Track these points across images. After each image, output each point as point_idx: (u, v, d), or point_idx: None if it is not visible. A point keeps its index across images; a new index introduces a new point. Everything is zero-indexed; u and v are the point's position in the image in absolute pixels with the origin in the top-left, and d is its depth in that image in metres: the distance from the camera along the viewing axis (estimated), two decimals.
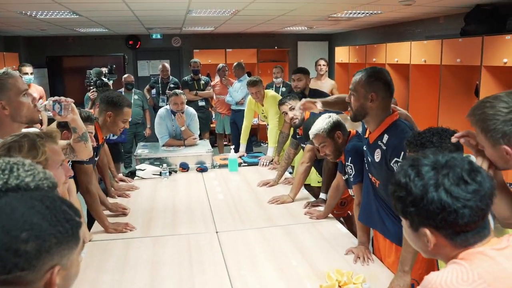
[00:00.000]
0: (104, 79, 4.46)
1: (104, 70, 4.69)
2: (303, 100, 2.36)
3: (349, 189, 2.60)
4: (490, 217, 1.00)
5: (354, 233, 2.45)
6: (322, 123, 2.49)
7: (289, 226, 2.64)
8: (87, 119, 2.41)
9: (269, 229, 2.61)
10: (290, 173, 3.99)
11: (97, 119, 2.80)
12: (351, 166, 2.34)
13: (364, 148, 2.15)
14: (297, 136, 3.42)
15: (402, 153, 1.84)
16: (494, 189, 0.97)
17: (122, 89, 6.02)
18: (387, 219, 2.08)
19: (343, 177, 2.57)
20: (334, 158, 2.55)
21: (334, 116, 2.54)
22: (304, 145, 3.32)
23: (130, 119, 2.92)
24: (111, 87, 4.46)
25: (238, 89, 6.25)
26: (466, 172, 0.95)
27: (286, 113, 3.29)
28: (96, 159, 2.92)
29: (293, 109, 3.25)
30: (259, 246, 2.37)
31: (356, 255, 2.19)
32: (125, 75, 6.15)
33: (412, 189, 0.96)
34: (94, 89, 4.32)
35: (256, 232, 2.57)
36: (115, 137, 4.83)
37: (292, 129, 3.59)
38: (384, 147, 1.96)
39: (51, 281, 0.80)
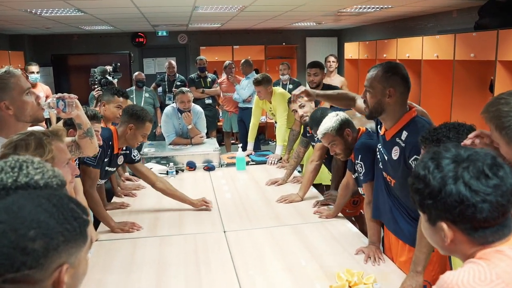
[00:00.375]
0: (108, 77, 4.47)
1: (109, 68, 4.71)
2: (302, 88, 2.39)
3: (359, 188, 2.58)
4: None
5: (365, 233, 2.43)
6: (330, 121, 2.48)
7: (298, 226, 2.64)
8: (93, 118, 2.42)
9: (278, 228, 2.61)
10: (299, 171, 3.98)
11: (103, 117, 2.81)
12: (361, 164, 2.32)
13: (379, 146, 2.13)
14: (307, 134, 3.41)
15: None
16: None
17: (133, 87, 6.06)
18: (400, 218, 2.06)
19: (353, 175, 2.56)
20: (345, 157, 2.54)
21: (341, 114, 2.53)
22: (314, 143, 3.31)
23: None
24: (116, 86, 4.48)
25: (245, 86, 6.25)
26: (487, 166, 0.93)
27: (296, 111, 3.29)
28: (113, 170, 2.92)
29: (303, 106, 3.24)
30: (268, 246, 2.36)
31: (367, 255, 2.17)
32: (136, 73, 6.18)
33: (430, 181, 0.95)
34: (99, 87, 4.35)
35: (264, 231, 2.57)
36: None
37: (302, 127, 3.58)
38: (402, 144, 1.93)
39: (60, 280, 0.80)
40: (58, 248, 0.80)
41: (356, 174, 2.46)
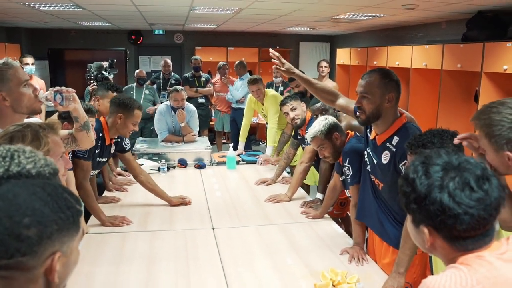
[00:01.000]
0: (104, 73, 4.46)
1: (105, 64, 4.69)
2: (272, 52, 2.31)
3: (345, 190, 2.61)
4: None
5: (351, 234, 2.46)
6: (319, 125, 2.50)
7: (286, 225, 2.65)
8: (87, 112, 2.39)
9: (266, 227, 2.62)
10: (288, 172, 4.00)
11: (98, 111, 2.79)
12: (348, 167, 2.34)
13: (367, 150, 2.15)
14: (298, 137, 3.43)
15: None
16: (503, 199, 0.94)
17: (134, 84, 6.05)
18: (386, 222, 2.08)
19: (340, 177, 2.58)
20: (333, 160, 2.56)
21: (330, 118, 2.55)
22: (305, 146, 3.33)
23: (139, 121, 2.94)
24: (111, 81, 4.46)
25: (239, 87, 6.26)
26: (474, 178, 0.93)
27: (288, 114, 3.30)
28: (105, 160, 2.91)
29: (295, 109, 3.26)
30: (255, 244, 2.38)
31: (351, 255, 2.19)
32: (137, 70, 6.19)
33: (417, 186, 0.95)
34: (94, 82, 4.32)
35: (252, 229, 2.58)
36: None
37: (293, 129, 3.60)
38: (393, 149, 1.95)
39: (52, 267, 0.81)
40: (51, 236, 0.80)
41: (344, 176, 2.49)
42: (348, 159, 2.34)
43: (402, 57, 5.27)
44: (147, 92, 5.97)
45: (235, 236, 2.48)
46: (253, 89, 4.38)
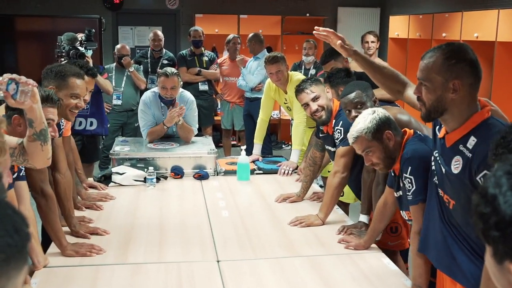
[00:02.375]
0: (80, 47, 4.50)
1: (80, 36, 4.74)
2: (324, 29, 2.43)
3: (401, 211, 2.59)
4: None
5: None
6: (364, 121, 2.49)
7: (317, 257, 2.66)
8: (46, 99, 2.40)
9: (289, 260, 2.63)
10: (321, 186, 4.00)
11: (61, 100, 2.83)
12: (410, 180, 2.33)
13: (436, 153, 2.13)
14: (321, 134, 3.42)
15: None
16: None
17: (113, 64, 6.14)
18: (460, 254, 2.05)
19: (395, 193, 2.57)
20: (385, 168, 2.55)
21: (380, 111, 2.53)
22: (331, 148, 3.31)
23: (87, 97, 2.99)
24: (89, 60, 4.51)
25: (254, 70, 6.28)
26: None
27: (308, 105, 3.27)
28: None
29: (317, 98, 3.24)
30: (275, 283, 2.38)
31: None
32: (118, 46, 6.27)
33: (500, 206, 0.93)
34: (66, 61, 4.37)
35: (271, 263, 2.59)
36: (93, 126, 4.89)
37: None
38: (469, 154, 1.92)
39: None
40: None
41: (400, 192, 2.48)
42: (410, 168, 2.33)
43: (483, 26, 5.23)
44: (109, 74, 6.04)
45: (247, 272, 2.49)
46: (271, 71, 4.40)
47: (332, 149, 3.30)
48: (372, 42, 5.97)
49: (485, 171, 1.85)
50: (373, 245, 2.80)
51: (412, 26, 6.94)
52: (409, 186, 2.34)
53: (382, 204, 2.69)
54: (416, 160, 2.33)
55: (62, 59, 4.41)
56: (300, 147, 4.23)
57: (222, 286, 2.34)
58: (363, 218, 3.00)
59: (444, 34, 6.05)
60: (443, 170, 2.06)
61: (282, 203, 3.48)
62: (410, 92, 2.33)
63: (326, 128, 3.32)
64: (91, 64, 4.32)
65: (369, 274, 2.48)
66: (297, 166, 4.17)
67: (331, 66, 4.07)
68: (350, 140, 2.55)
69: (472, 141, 1.93)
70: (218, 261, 2.60)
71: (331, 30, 2.43)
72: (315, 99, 3.24)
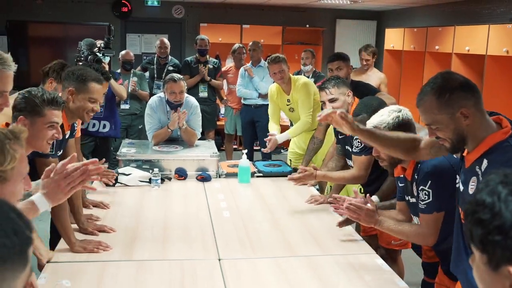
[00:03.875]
0: (98, 54, 4.51)
1: (99, 43, 4.76)
2: (327, 111, 2.36)
3: (414, 216, 2.55)
4: None
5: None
6: (388, 115, 2.48)
7: (314, 258, 2.67)
8: (51, 102, 2.38)
9: (288, 259, 2.63)
10: (318, 190, 4.00)
11: (66, 103, 2.84)
12: (428, 192, 2.30)
13: (461, 171, 2.07)
14: (340, 136, 3.41)
15: None
16: None
17: (118, 70, 6.15)
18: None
19: (408, 198, 2.53)
20: (389, 167, 2.56)
21: (405, 112, 2.53)
22: (351, 148, 3.26)
23: (102, 102, 2.98)
24: (106, 66, 4.53)
25: (261, 77, 6.25)
26: None
27: (324, 103, 3.35)
28: (59, 153, 2.96)
29: (334, 101, 3.27)
30: (274, 281, 2.39)
31: None
32: (123, 52, 6.30)
33: (501, 211, 0.94)
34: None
35: (270, 262, 2.59)
36: (106, 129, 4.90)
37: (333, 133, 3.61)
38: (481, 177, 1.86)
39: None
40: None
41: (414, 199, 2.45)
42: (430, 182, 2.30)
43: (474, 40, 5.24)
44: (135, 80, 6.06)
45: (247, 270, 2.49)
46: (275, 70, 4.44)
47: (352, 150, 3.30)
48: (367, 60, 6.00)
49: None
50: (367, 246, 2.82)
51: (407, 38, 6.96)
52: (425, 198, 2.32)
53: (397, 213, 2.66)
54: (437, 176, 2.29)
55: (80, 63, 4.44)
56: (293, 134, 4.40)
57: (223, 283, 2.34)
58: (375, 198, 2.95)
59: (437, 47, 6.07)
60: (462, 188, 2.01)
61: (281, 206, 3.48)
62: (427, 138, 2.22)
63: None
64: (106, 69, 4.34)
65: (363, 274, 2.48)
66: (277, 142, 4.35)
67: (336, 66, 4.28)
68: (369, 126, 2.54)
69: (484, 164, 1.87)
70: (219, 259, 2.60)
71: (331, 110, 2.36)
72: (332, 100, 3.29)
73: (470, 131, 1.90)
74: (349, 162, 3.37)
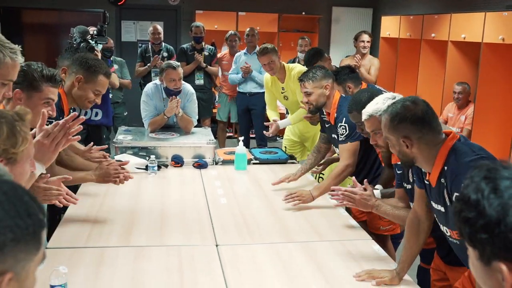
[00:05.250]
0: (90, 41, 4.48)
1: (92, 30, 4.72)
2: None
3: (410, 202, 2.57)
4: None
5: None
6: (383, 103, 2.47)
7: (310, 243, 2.69)
8: (50, 79, 2.39)
9: (284, 245, 2.65)
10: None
11: (63, 82, 2.83)
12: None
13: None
14: (326, 125, 3.44)
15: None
16: None
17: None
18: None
19: (405, 185, 2.55)
20: (386, 152, 2.58)
21: (400, 99, 2.54)
22: (336, 136, 3.28)
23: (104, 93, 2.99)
24: (98, 54, 4.49)
25: (258, 67, 6.18)
26: None
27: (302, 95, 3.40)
28: None
29: (309, 95, 3.28)
30: (270, 266, 2.41)
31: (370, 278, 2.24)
32: None
33: (485, 209, 0.93)
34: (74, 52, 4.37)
35: (267, 248, 2.61)
36: (99, 117, 4.88)
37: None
38: (445, 184, 1.98)
39: None
40: (3, 247, 0.78)
41: (409, 186, 2.47)
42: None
43: (470, 28, 5.24)
44: (116, 67, 6.01)
45: (244, 256, 2.51)
46: (264, 62, 4.44)
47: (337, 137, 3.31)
48: (368, 42, 5.99)
49: (455, 193, 1.88)
50: (364, 232, 2.85)
51: (403, 26, 6.94)
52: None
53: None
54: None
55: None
56: (293, 122, 4.43)
57: (221, 268, 2.36)
58: (378, 187, 2.96)
59: (433, 35, 6.06)
60: (440, 209, 2.07)
61: (278, 192, 3.47)
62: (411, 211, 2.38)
63: (328, 117, 3.36)
64: (99, 57, 4.31)
65: (359, 259, 2.50)
66: (279, 127, 4.39)
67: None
68: (363, 117, 2.54)
69: (446, 171, 1.99)
70: (217, 245, 2.62)
71: (347, 191, 2.56)
72: (307, 94, 3.31)
73: (415, 156, 2.04)
74: (336, 150, 3.40)
